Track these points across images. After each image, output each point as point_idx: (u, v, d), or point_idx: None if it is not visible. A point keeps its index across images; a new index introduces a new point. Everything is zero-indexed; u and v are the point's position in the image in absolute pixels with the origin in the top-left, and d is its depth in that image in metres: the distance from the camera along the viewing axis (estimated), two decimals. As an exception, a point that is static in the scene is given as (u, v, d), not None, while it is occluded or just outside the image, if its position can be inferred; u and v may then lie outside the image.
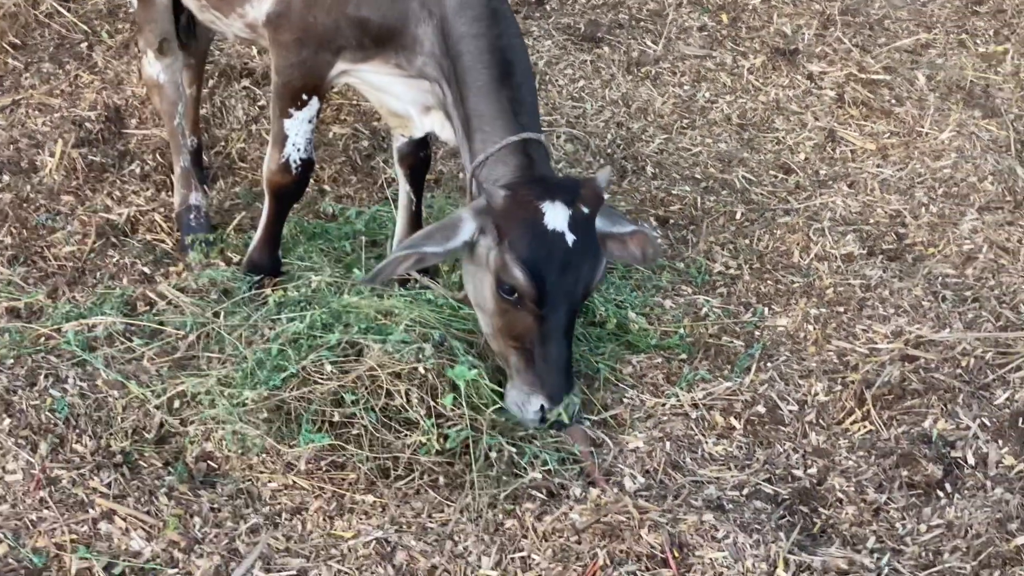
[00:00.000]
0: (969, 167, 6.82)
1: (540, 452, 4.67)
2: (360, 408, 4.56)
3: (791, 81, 7.66)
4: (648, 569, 4.25)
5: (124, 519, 4.31)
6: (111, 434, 4.64)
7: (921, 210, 6.51)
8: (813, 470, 4.84)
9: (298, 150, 5.33)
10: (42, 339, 5.12)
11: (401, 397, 4.58)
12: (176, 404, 4.81)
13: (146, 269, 5.78)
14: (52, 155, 6.46)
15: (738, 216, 6.47)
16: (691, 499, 4.61)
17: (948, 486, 4.74)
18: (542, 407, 4.74)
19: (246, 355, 4.86)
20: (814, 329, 5.56)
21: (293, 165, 5.35)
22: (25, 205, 6.17)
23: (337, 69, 5.21)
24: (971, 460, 4.83)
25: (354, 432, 4.59)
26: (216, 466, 4.66)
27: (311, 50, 5.15)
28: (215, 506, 4.46)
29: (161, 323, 5.25)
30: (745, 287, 5.91)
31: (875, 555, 4.40)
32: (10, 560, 4.10)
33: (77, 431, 4.62)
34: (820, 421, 5.07)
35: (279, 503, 4.53)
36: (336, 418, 4.60)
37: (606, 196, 4.90)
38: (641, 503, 4.42)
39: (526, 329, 4.72)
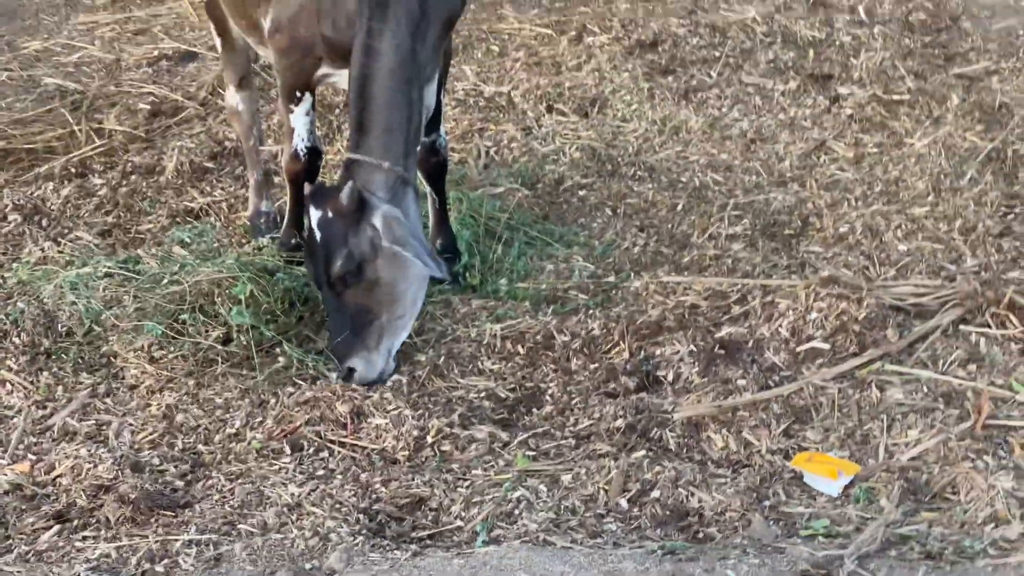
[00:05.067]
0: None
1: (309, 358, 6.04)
2: (188, 307, 6.13)
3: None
4: (332, 429, 5.52)
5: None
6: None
7: (844, 204, 7.24)
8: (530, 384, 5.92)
9: (302, 139, 6.69)
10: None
11: (217, 304, 6.11)
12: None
13: (187, 237, 7.49)
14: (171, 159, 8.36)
15: (679, 207, 7.42)
16: (447, 405, 5.81)
17: (644, 394, 5.71)
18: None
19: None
20: (654, 287, 6.50)
21: (300, 153, 6.69)
22: (135, 196, 8.10)
23: (320, 72, 6.62)
24: (670, 378, 5.75)
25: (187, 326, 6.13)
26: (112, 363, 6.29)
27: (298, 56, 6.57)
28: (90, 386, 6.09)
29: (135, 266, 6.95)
30: (628, 257, 6.90)
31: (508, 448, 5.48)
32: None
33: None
34: (585, 350, 6.06)
35: (123, 378, 6.10)
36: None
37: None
38: (351, 388, 5.70)
39: None
